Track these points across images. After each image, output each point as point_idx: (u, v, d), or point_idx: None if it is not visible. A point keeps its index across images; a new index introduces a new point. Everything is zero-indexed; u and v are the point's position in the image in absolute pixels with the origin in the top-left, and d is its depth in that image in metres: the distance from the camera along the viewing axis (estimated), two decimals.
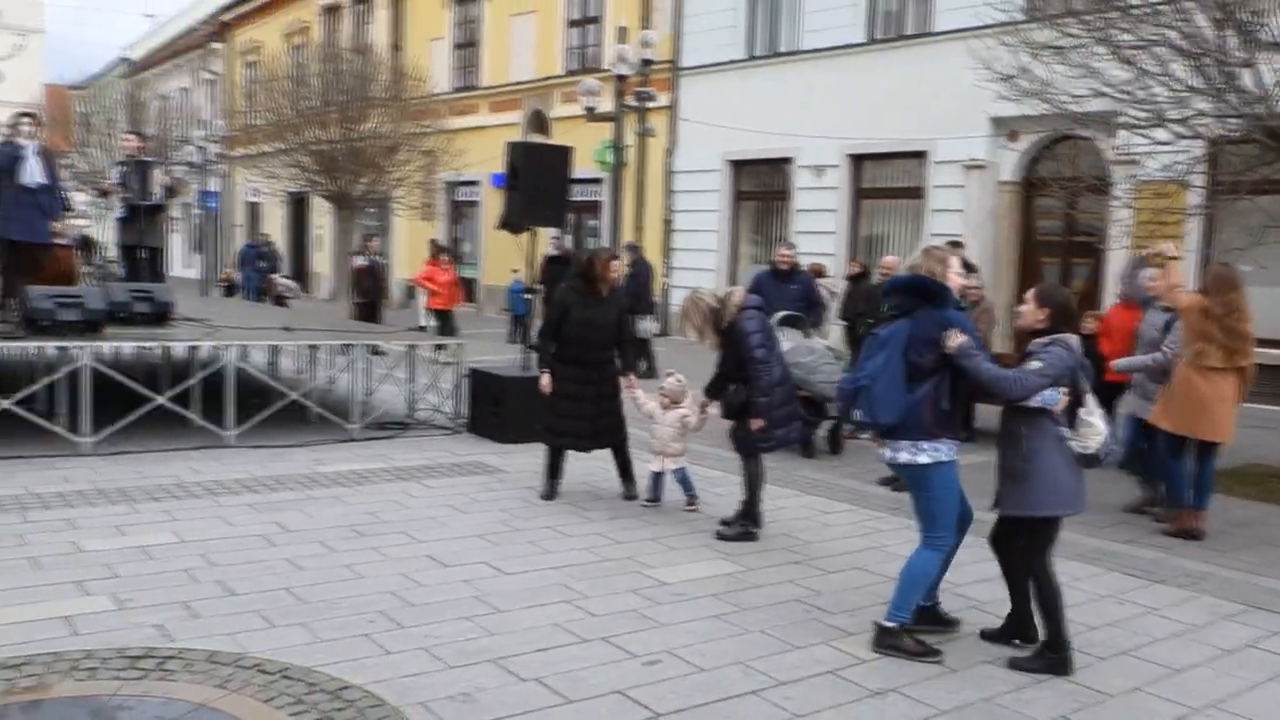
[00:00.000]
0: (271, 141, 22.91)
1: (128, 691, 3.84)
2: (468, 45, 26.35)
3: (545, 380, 7.13)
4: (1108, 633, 5.02)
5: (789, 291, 9.83)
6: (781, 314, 9.14)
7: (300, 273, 33.99)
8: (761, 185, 20.26)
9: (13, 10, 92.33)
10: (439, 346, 10.73)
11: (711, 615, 5.05)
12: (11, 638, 4.31)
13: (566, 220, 11.64)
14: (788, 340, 9.04)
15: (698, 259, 20.28)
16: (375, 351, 10.96)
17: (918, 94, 16.25)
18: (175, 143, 31.38)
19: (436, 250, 16.56)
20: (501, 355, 12.86)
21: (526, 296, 16.76)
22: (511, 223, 9.36)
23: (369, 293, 16.46)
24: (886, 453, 4.57)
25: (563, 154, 9.77)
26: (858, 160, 18.04)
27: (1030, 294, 4.65)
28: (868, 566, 5.95)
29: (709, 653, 4.56)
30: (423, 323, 16.25)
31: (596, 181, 21.24)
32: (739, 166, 20.16)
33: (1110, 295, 12.81)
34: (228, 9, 38.45)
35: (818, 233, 17.86)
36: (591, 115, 15.97)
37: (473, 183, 25.51)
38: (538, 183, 9.20)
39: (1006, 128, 15.32)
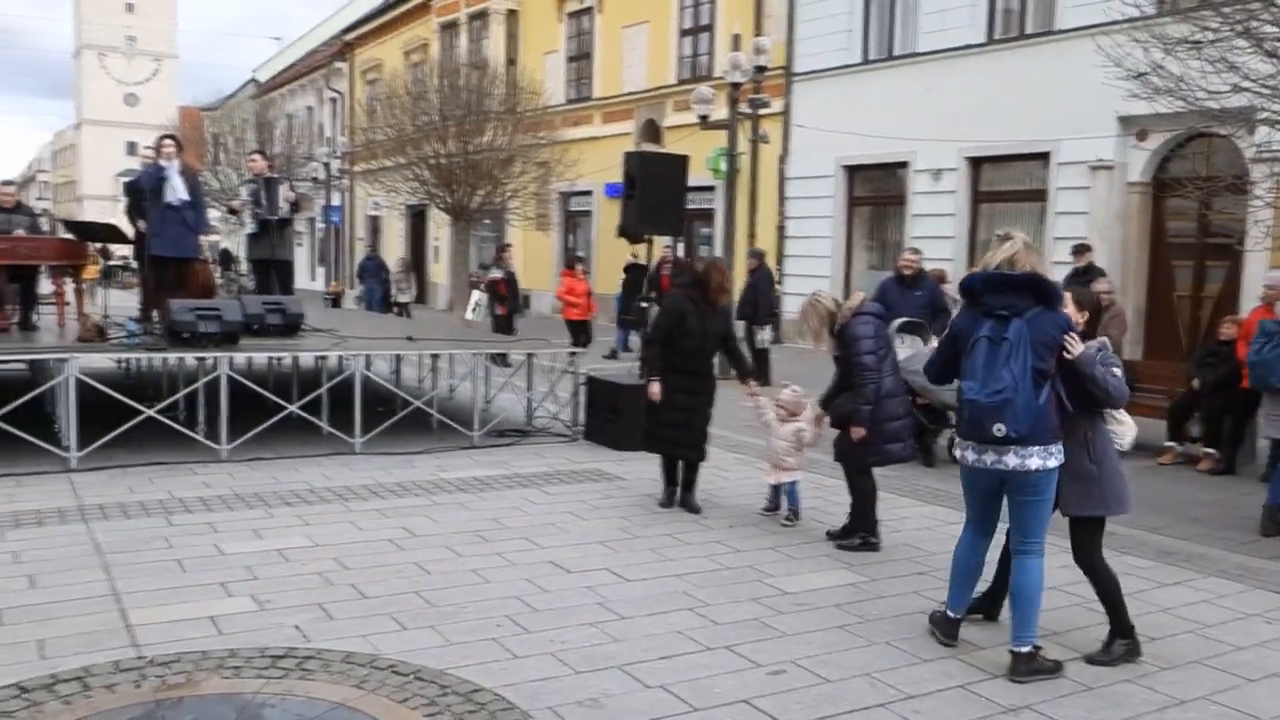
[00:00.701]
0: (391, 156, 23.61)
1: (271, 690, 3.99)
2: (581, 57, 26.68)
3: (655, 388, 7.03)
4: (1257, 653, 4.80)
5: (913, 298, 9.65)
6: (901, 320, 8.99)
7: (419, 283, 34.90)
8: (876, 190, 19.99)
9: (149, 37, 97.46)
10: (571, 353, 10.78)
11: (835, 626, 5.00)
12: (162, 636, 4.53)
13: (683, 228, 11.67)
14: (908, 347, 8.89)
15: (812, 266, 20.10)
16: (501, 362, 11.14)
17: (1040, 94, 15.83)
18: (301, 159, 32.58)
19: (573, 261, 16.60)
20: (613, 364, 12.96)
21: (643, 305, 16.89)
22: (629, 231, 9.44)
23: (507, 303, 16.73)
24: (998, 459, 4.37)
25: (679, 163, 9.82)
26: (976, 163, 17.65)
27: (1067, 297, 4.58)
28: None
29: (834, 664, 4.52)
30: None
31: (709, 189, 21.25)
32: (853, 172, 19.93)
33: (1249, 299, 12.24)
34: (350, 29, 39.76)
35: (935, 238, 17.51)
36: (705, 123, 15.97)
37: (586, 193, 25.81)
38: (655, 191, 9.27)
39: (1135, 126, 14.78)
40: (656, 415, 7.11)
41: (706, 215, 22.11)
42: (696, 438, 7.13)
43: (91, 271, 21.05)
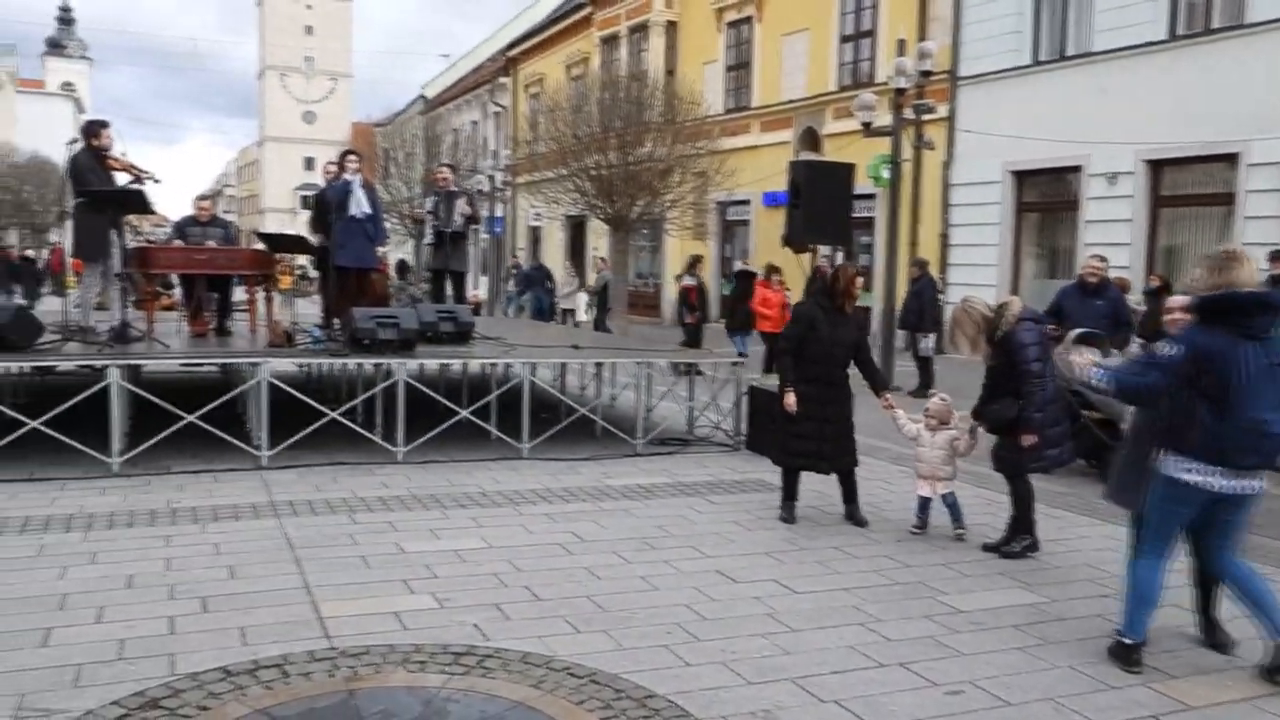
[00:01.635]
0: (553, 167, 24.13)
1: (454, 685, 4.13)
2: (740, 66, 26.70)
3: (790, 400, 6.90)
4: None
5: (1095, 308, 9.23)
6: (1079, 331, 8.63)
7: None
8: (1046, 196, 19.29)
9: (326, 58, 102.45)
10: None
11: (1014, 647, 4.84)
12: (352, 629, 4.74)
13: (849, 237, 11.52)
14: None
15: (977, 274, 19.53)
16: (693, 371, 11.15)
17: (1228, 92, 14.98)
18: (466, 172, 33.62)
19: (769, 271, 16.48)
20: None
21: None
22: (793, 240, 9.38)
23: (697, 313, 16.87)
24: (1249, 483, 4.38)
25: (845, 171, 9.72)
26: (1156, 166, 16.83)
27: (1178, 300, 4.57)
28: (1186, 604, 5.49)
29: (1015, 686, 4.37)
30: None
31: (869, 197, 20.93)
32: (1022, 177, 19.29)
33: None
34: (513, 45, 40.90)
35: (1110, 244, 16.71)
36: (867, 130, 15.73)
37: (744, 202, 25.78)
38: (820, 200, 9.19)
39: None
40: (790, 427, 7.00)
41: (867, 223, 21.76)
42: (832, 449, 6.97)
43: (286, 281, 22.35)
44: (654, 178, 21.09)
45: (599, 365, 11.41)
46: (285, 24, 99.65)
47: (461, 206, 11.43)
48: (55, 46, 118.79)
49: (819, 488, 7.56)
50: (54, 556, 5.73)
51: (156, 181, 9.32)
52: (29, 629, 4.61)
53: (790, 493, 7.20)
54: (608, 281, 22.02)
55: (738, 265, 18.44)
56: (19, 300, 27.18)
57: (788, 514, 7.13)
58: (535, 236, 38.54)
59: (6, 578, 5.33)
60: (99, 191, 8.84)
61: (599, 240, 29.80)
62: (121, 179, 9.17)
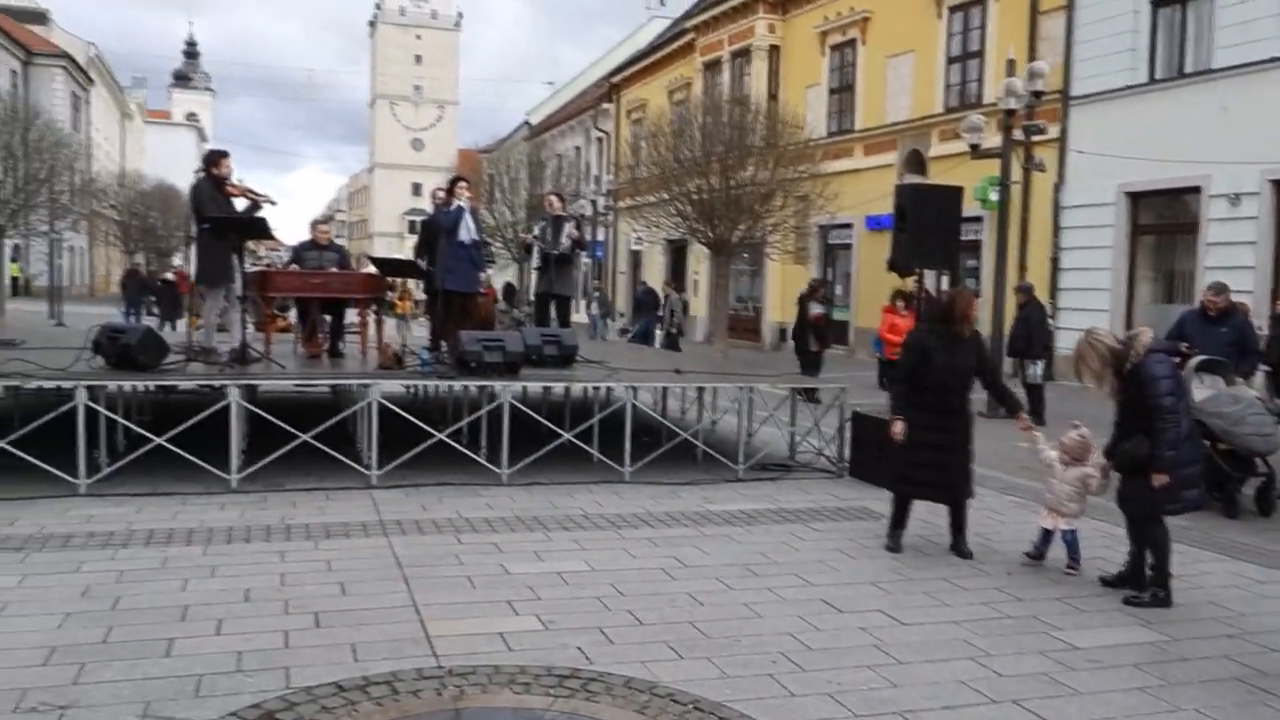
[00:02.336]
0: (655, 192, 24.26)
1: (559, 709, 4.15)
2: (843, 89, 26.54)
3: (899, 427, 6.77)
4: None
5: (1218, 335, 8.87)
6: (1202, 358, 8.32)
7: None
8: (1163, 218, 18.67)
9: (434, 86, 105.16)
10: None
11: (1135, 687, 4.65)
12: (458, 648, 4.81)
13: (956, 261, 11.31)
14: (1207, 388, 8.24)
15: (1089, 299, 18.98)
16: (810, 398, 11.05)
17: None
18: (569, 197, 34.07)
19: (896, 296, 16.26)
20: (876, 399, 12.68)
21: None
22: (899, 265, 9.25)
23: (822, 338, 16.76)
24: None
25: (953, 195, 9.57)
26: None
27: None
28: None
29: None
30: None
31: (976, 220, 20.52)
32: (1136, 199, 18.70)
33: None
34: (616, 72, 41.41)
35: (1233, 268, 16.10)
36: (975, 152, 15.45)
37: (846, 225, 25.56)
38: (927, 224, 9.05)
39: None
40: (904, 455, 6.85)
41: (974, 247, 21.34)
42: (948, 478, 6.80)
43: (405, 306, 22.95)
44: (755, 201, 21.03)
45: (700, 390, 11.40)
46: (396, 54, 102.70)
47: (569, 230, 11.58)
48: (181, 79, 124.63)
49: (926, 517, 7.40)
50: (176, 569, 5.95)
51: (272, 204, 9.69)
52: (154, 639, 4.78)
53: (899, 520, 7.05)
54: (675, 304, 24.16)
55: (804, 290, 18.46)
56: (155, 318, 28.56)
57: (894, 543, 7.00)
58: (636, 260, 38.75)
59: (133, 588, 5.55)
60: (223, 219, 9.20)
61: (699, 264, 29.82)
62: (239, 204, 9.55)
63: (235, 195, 9.54)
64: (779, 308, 28.86)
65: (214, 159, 9.59)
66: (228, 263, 9.35)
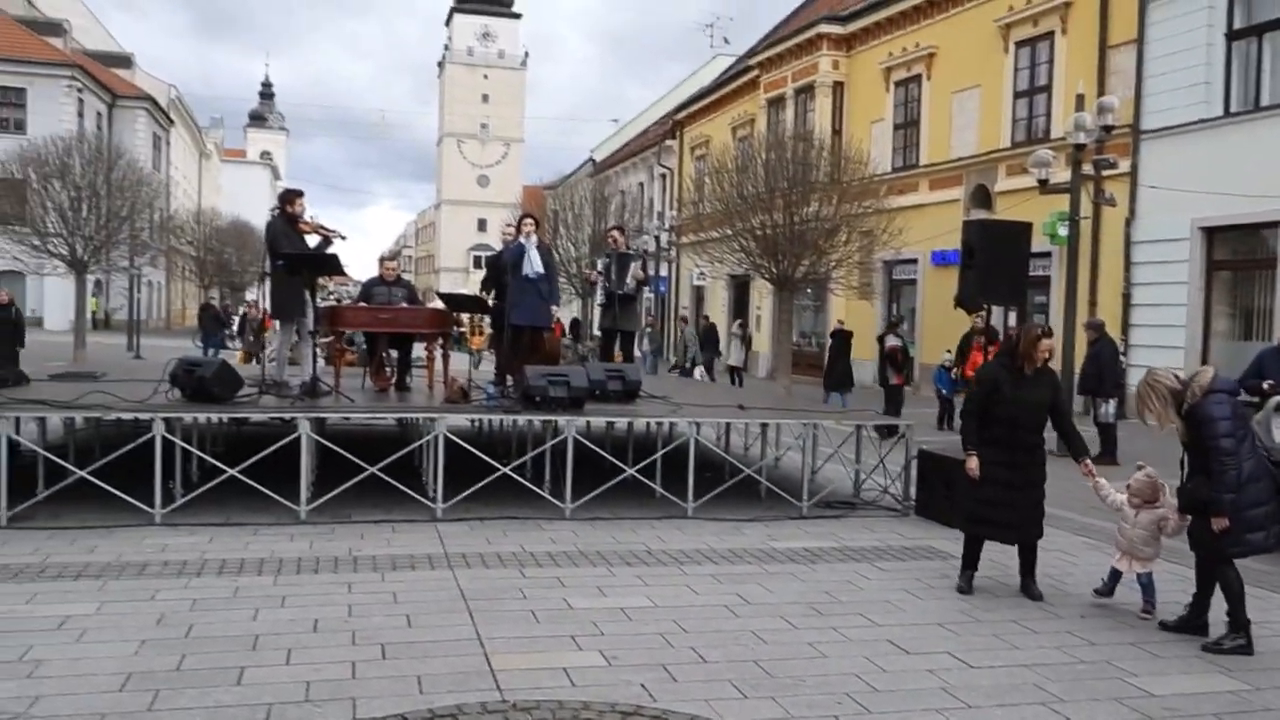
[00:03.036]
0: (718, 227, 24.31)
1: None
2: (908, 124, 26.42)
3: (972, 464, 6.66)
4: None
5: None
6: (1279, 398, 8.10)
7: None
8: (1239, 253, 18.21)
9: (500, 124, 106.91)
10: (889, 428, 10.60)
11: None
12: (522, 682, 4.82)
13: (1024, 297, 11.16)
14: None
15: (1162, 336, 18.57)
16: (888, 434, 10.94)
17: None
18: (633, 233, 34.28)
19: (975, 333, 16.00)
20: (940, 437, 12.52)
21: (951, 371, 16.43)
22: (966, 301, 9.16)
23: (903, 372, 16.69)
24: None
25: (1021, 231, 9.46)
26: None
27: None
28: None
29: None
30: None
31: (1044, 255, 20.24)
32: (1211, 234, 18.27)
33: None
34: (680, 109, 41.71)
35: None
36: (1044, 187, 15.26)
37: (911, 261, 25.35)
38: (994, 260, 8.95)
39: None
40: (974, 492, 6.73)
41: (1042, 283, 21.02)
42: (1019, 518, 6.66)
43: (479, 341, 23.30)
44: (819, 237, 20.96)
45: (764, 426, 11.35)
46: (463, 93, 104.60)
47: (635, 271, 11.66)
48: (257, 119, 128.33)
49: (996, 556, 7.27)
50: (248, 598, 6.05)
51: (343, 239, 9.92)
52: (226, 667, 4.87)
53: (970, 561, 6.93)
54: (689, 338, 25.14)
55: (835, 325, 18.87)
56: (230, 350, 29.26)
57: (965, 583, 6.87)
58: (699, 295, 38.81)
59: (206, 616, 5.66)
60: (296, 255, 9.43)
61: (763, 299, 29.77)
62: (312, 241, 9.77)
63: (308, 232, 9.77)
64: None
65: (288, 198, 9.85)
66: (300, 298, 9.58)
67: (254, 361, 20.43)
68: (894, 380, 16.67)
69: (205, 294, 49.55)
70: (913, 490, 9.70)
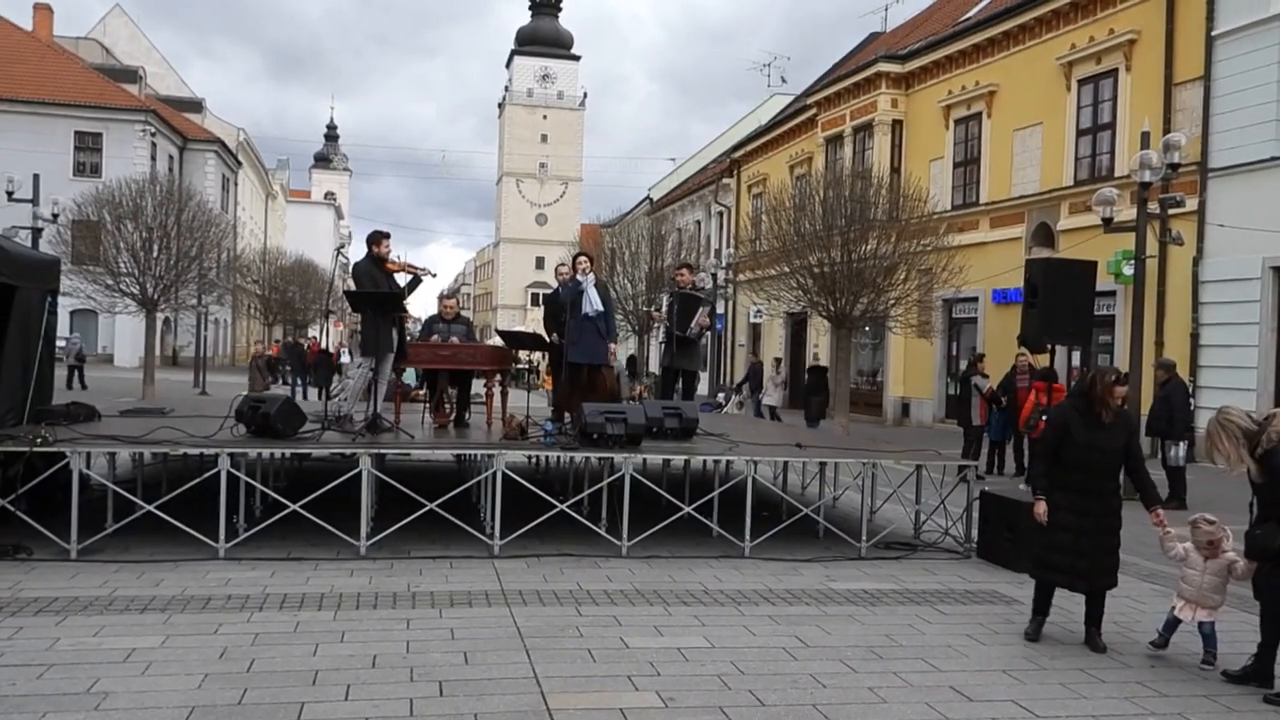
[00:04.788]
0: (775, 265, 24.28)
1: None
2: (968, 162, 26.25)
3: (1040, 509, 6.53)
4: None
5: None
6: None
7: (794, 390, 35.34)
8: None
9: (559, 164, 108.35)
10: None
11: None
12: None
13: (1090, 337, 10.97)
14: None
15: (1232, 377, 18.12)
16: (979, 474, 10.74)
17: None
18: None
19: (1044, 373, 15.72)
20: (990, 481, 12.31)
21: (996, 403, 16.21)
22: (1030, 340, 9.04)
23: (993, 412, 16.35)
24: None
25: (1086, 270, 9.33)
26: None
27: None
28: None
29: None
30: None
31: (1109, 294, 19.91)
32: None
33: None
34: (737, 148, 41.86)
35: None
36: (1109, 226, 15.05)
37: (971, 299, 25.08)
38: (1058, 300, 8.83)
39: None
40: (1043, 538, 6.59)
41: (1106, 322, 20.67)
42: (1090, 566, 6.46)
43: (550, 383, 23.65)
44: (878, 275, 20.83)
45: (822, 465, 11.25)
46: (523, 133, 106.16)
47: (701, 317, 11.71)
48: (321, 160, 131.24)
49: (1061, 602, 7.11)
50: (308, 633, 6.12)
51: (433, 276, 10.14)
52: (287, 703, 4.92)
53: (1040, 607, 6.77)
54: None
55: (812, 359, 19.00)
56: (308, 387, 29.72)
57: (1033, 630, 6.71)
58: (755, 333, 38.72)
59: (268, 651, 5.73)
60: (358, 294, 9.61)
61: (820, 337, 29.63)
62: (402, 279, 9.98)
63: (396, 271, 9.95)
64: (901, 382, 28.41)
65: (375, 239, 9.97)
66: (387, 335, 9.68)
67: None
68: (978, 421, 16.44)
69: (269, 331, 50.50)
70: (974, 532, 9.54)
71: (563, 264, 11.91)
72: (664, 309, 11.85)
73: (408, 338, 10.28)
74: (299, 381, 31.34)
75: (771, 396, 24.48)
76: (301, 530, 8.45)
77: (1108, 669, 6.08)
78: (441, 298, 11.96)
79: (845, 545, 9.44)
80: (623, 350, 35.36)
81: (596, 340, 10.42)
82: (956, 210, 25.94)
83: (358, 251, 10.25)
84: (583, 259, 10.84)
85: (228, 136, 58.29)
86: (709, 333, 15.65)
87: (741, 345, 38.47)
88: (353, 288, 10.13)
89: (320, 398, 10.16)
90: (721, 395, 27.74)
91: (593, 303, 10.17)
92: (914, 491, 10.46)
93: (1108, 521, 6.51)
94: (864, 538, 9.38)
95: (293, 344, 37.73)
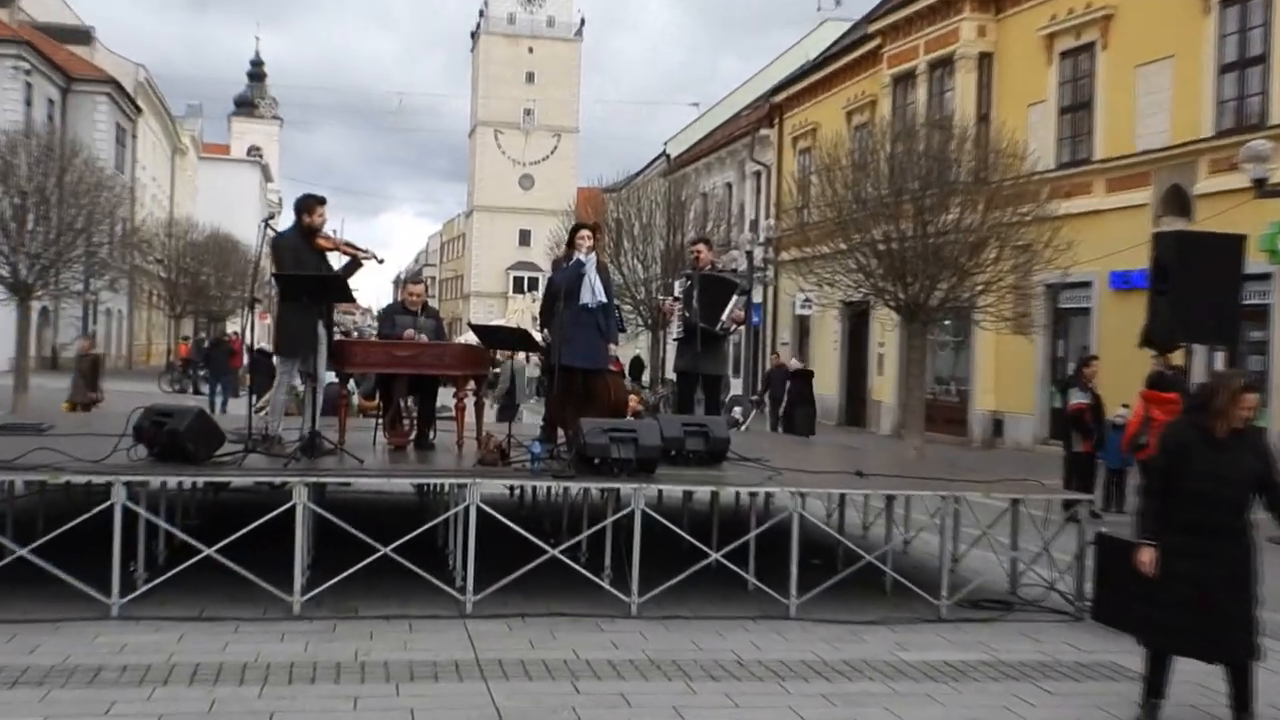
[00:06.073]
0: (828, 241, 24.28)
1: None
2: (1077, 108, 26.24)
3: (1146, 556, 6.50)
4: None
5: None
6: None
7: (852, 401, 35.34)
8: None
9: (549, 110, 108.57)
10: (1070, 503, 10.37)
11: None
12: None
13: (1237, 333, 10.95)
14: None
15: None
16: (1073, 516, 10.61)
17: None
18: (719, 248, 34.34)
19: (1159, 378, 15.63)
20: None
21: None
22: (1158, 338, 9.02)
23: (1093, 436, 16.27)
24: None
25: (1232, 246, 9.31)
26: None
27: None
28: None
29: None
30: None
31: (1262, 278, 19.83)
32: None
33: None
34: (779, 89, 41.88)
35: None
36: (1261, 189, 15.01)
37: (1083, 284, 25.04)
38: (1195, 285, 8.81)
39: None
40: (1156, 591, 6.54)
41: (1259, 313, 20.58)
42: (1218, 627, 6.43)
43: None
44: (961, 254, 20.83)
45: (889, 498, 11.25)
46: (503, 71, 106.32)
47: (735, 309, 11.68)
48: (244, 106, 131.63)
49: (1200, 679, 7.07)
50: (226, 715, 6.14)
51: (379, 261, 10.10)
52: None
53: (1155, 686, 6.72)
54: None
55: (793, 363, 19.15)
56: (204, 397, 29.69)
57: (1148, 715, 6.69)
58: (803, 328, 38.71)
59: None
60: (290, 276, 9.62)
61: (887, 335, 29.63)
62: (336, 261, 9.93)
63: (329, 249, 9.93)
64: (991, 392, 28.37)
65: (307, 205, 9.94)
66: (313, 331, 9.66)
67: (78, 409, 20.78)
68: (1080, 447, 16.19)
69: (177, 324, 50.62)
70: (1088, 587, 9.52)
71: (582, 230, 11.25)
72: (675, 296, 11.80)
73: (352, 333, 10.27)
74: (216, 389, 31.39)
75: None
76: (219, 582, 8.47)
77: None
78: (402, 283, 12.02)
79: (920, 603, 9.44)
80: (625, 350, 35.43)
81: (595, 338, 10.40)
82: (1063, 170, 25.92)
83: (291, 222, 10.20)
84: (584, 233, 10.81)
85: (124, 76, 58.54)
86: (742, 328, 15.61)
87: (784, 344, 38.45)
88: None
89: (249, 411, 10.10)
90: (738, 410, 27.61)
91: (595, 290, 10.17)
92: (1009, 534, 10.44)
93: (1237, 570, 6.48)
94: (944, 593, 9.38)
95: (217, 340, 37.75)
